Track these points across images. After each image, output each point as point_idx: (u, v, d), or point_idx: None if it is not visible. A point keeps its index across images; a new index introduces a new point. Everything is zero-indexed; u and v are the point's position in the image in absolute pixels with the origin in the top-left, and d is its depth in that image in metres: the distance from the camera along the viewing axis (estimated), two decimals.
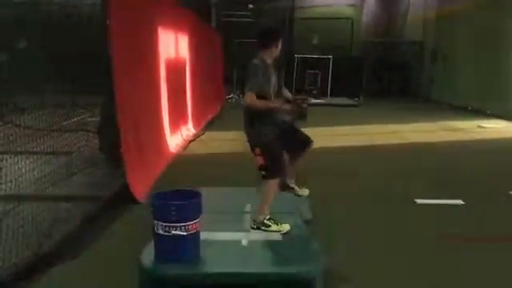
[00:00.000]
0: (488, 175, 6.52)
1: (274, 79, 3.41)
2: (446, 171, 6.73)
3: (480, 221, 4.63)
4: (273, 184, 3.39)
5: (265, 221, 3.41)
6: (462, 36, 15.60)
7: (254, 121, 3.33)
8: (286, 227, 3.44)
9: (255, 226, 3.44)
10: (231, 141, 7.93)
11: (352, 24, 20.52)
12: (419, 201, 5.12)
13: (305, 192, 4.02)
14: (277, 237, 3.41)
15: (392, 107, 15.68)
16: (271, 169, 3.33)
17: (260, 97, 3.26)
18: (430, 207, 5.01)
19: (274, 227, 3.41)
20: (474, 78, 14.51)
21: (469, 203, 5.06)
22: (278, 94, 3.50)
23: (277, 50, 3.42)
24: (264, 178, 3.36)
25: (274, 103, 3.27)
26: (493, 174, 6.63)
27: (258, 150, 3.31)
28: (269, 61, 3.42)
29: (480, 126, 11.18)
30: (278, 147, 3.44)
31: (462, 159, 7.65)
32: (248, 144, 3.47)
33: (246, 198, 4.16)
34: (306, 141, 3.70)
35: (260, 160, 3.28)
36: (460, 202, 5.10)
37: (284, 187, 3.70)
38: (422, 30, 19.07)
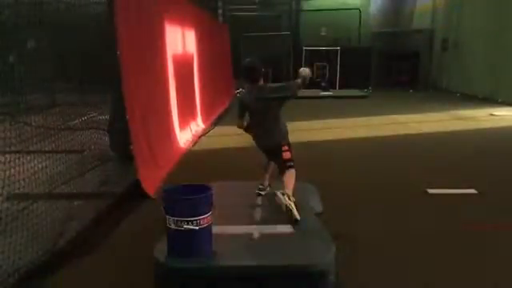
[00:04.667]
0: (501, 164, 6.45)
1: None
2: (458, 160, 6.67)
3: (494, 209, 4.59)
4: (294, 172, 3.83)
5: (291, 196, 3.64)
6: (472, 23, 15.39)
7: (277, 126, 3.89)
8: (298, 217, 3.51)
9: (282, 192, 3.67)
10: (240, 135, 7.91)
11: (360, 14, 20.33)
12: (431, 191, 5.08)
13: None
14: (288, 229, 3.41)
15: (402, 97, 15.56)
16: (292, 160, 3.86)
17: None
18: (443, 197, 4.97)
19: (293, 205, 3.58)
20: (484, 65, 14.32)
21: (482, 192, 5.01)
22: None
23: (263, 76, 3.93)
24: (291, 167, 3.83)
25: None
26: (506, 162, 6.56)
27: (286, 147, 3.85)
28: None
29: (492, 115, 11.04)
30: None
31: (474, 148, 7.57)
32: (271, 146, 3.93)
33: (256, 192, 4.17)
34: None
35: (287, 154, 3.84)
36: (473, 191, 5.05)
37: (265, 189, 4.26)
38: (431, 18, 18.83)
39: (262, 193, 4.17)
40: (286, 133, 3.93)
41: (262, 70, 3.90)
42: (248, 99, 3.94)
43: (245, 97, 4.03)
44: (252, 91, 3.90)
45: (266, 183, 4.21)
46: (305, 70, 3.85)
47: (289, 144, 3.89)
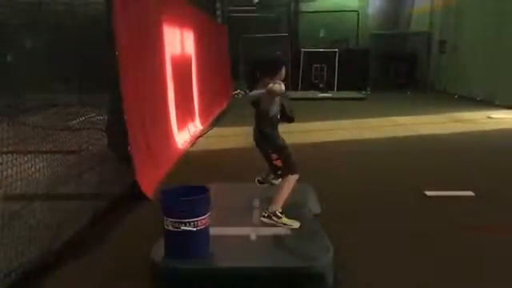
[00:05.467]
0: (498, 166, 6.47)
1: (277, 100, 3.71)
2: (456, 163, 6.69)
3: (491, 212, 4.60)
4: (292, 179, 3.64)
5: (277, 212, 3.52)
6: (470, 25, 15.43)
7: (265, 131, 3.66)
8: (296, 224, 3.49)
9: (266, 214, 3.54)
10: (239, 136, 7.94)
11: (358, 16, 20.38)
12: (429, 193, 5.09)
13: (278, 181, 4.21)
14: (286, 231, 3.41)
15: (400, 99, 15.58)
16: (290, 166, 3.65)
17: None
18: (441, 199, 4.98)
19: (284, 220, 3.50)
20: (482, 68, 14.35)
21: (480, 195, 5.02)
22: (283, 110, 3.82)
23: (281, 76, 3.69)
24: (284, 176, 3.67)
25: None
26: (503, 164, 6.58)
27: (275, 156, 3.68)
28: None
29: (489, 117, 11.07)
30: (287, 147, 3.75)
31: (471, 150, 7.59)
32: (261, 151, 3.80)
33: (254, 194, 4.17)
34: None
35: (278, 163, 3.67)
36: (470, 193, 5.06)
37: (265, 181, 4.17)
38: (429, 20, 18.89)
39: (259, 184, 4.13)
40: (274, 140, 3.69)
41: (271, 71, 3.66)
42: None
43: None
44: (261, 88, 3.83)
45: (270, 177, 4.15)
46: (276, 87, 3.50)
47: (278, 150, 3.67)
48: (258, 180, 4.21)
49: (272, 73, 3.65)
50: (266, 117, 3.64)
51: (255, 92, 3.69)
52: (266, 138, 3.69)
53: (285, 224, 3.47)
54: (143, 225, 4.18)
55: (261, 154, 3.89)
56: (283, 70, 3.69)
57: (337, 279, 2.99)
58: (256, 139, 3.78)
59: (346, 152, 7.56)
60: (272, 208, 3.53)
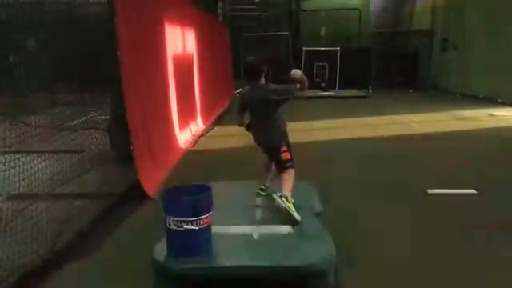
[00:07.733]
0: (500, 163, 6.46)
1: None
2: (458, 160, 6.67)
3: (494, 209, 4.59)
4: (293, 172, 3.81)
5: (289, 198, 3.60)
6: (472, 23, 15.39)
7: (275, 125, 3.85)
8: (298, 217, 3.50)
9: (279, 194, 3.62)
10: (240, 135, 7.91)
11: (359, 14, 20.35)
12: (431, 191, 5.08)
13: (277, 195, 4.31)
14: (288, 229, 3.41)
15: (402, 97, 15.57)
16: (292, 160, 3.83)
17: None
18: (442, 197, 4.97)
19: (292, 207, 3.55)
20: (484, 66, 14.31)
21: (482, 192, 5.01)
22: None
23: (267, 76, 3.94)
24: (288, 168, 3.80)
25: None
26: (505, 162, 6.56)
27: (284, 147, 3.82)
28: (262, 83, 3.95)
29: (492, 115, 11.05)
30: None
31: (473, 148, 7.57)
32: (269, 151, 3.94)
33: (256, 192, 4.16)
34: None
35: (286, 155, 3.81)
36: (472, 191, 5.05)
37: (267, 192, 4.21)
38: (430, 18, 18.85)
39: (263, 193, 4.16)
40: (285, 133, 3.88)
41: (263, 70, 3.88)
42: (248, 96, 3.94)
43: (246, 94, 4.02)
44: (253, 89, 3.90)
45: (268, 183, 4.20)
46: (296, 72, 3.83)
47: (288, 144, 3.85)
48: (262, 189, 4.18)
49: (256, 77, 3.86)
50: (280, 115, 3.82)
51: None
52: (284, 134, 3.85)
53: (291, 212, 3.50)
54: (145, 224, 4.19)
55: (264, 153, 3.92)
56: (265, 69, 3.88)
57: (339, 278, 2.99)
58: (261, 141, 3.90)
59: (347, 150, 7.56)
60: (286, 193, 3.62)
